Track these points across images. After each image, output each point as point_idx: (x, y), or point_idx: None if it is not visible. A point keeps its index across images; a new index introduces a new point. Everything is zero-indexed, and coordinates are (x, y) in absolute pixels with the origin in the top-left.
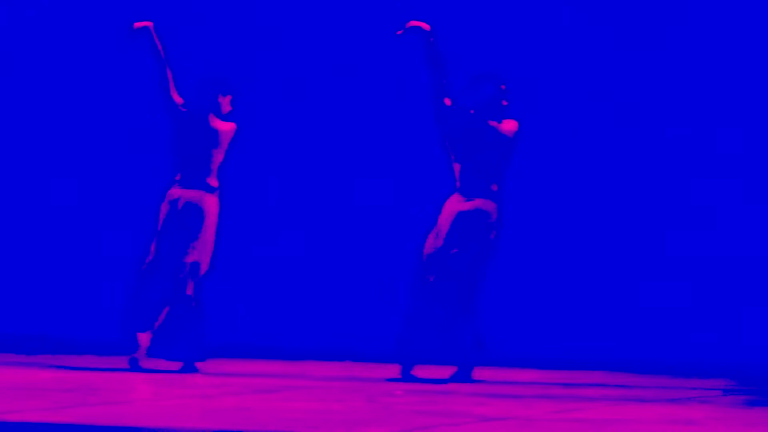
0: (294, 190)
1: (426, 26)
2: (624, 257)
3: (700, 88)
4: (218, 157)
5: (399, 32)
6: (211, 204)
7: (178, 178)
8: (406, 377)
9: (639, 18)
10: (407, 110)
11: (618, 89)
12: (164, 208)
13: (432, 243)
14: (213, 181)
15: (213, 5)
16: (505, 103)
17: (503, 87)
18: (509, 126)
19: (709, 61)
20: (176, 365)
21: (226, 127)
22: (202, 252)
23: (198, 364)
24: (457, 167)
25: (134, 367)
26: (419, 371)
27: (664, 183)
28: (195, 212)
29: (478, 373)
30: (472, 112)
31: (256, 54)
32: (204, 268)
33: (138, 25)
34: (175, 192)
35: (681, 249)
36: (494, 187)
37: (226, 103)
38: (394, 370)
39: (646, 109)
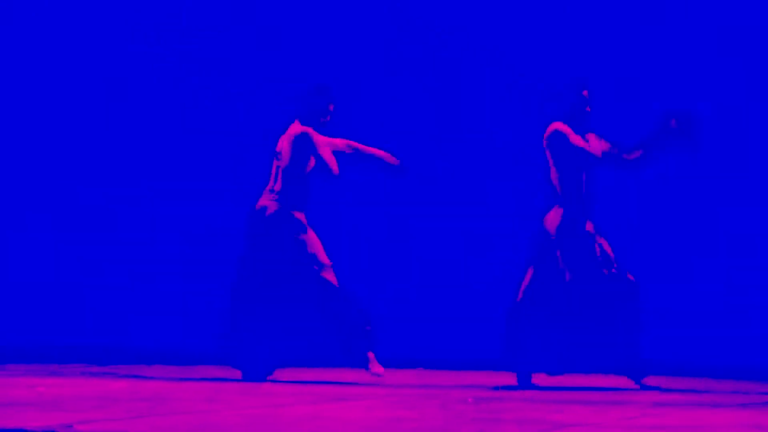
0: (387, 201)
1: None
2: (692, 260)
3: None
4: (307, 165)
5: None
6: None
7: (272, 188)
8: (524, 384)
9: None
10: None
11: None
12: (253, 219)
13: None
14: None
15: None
16: (588, 109)
17: (585, 93)
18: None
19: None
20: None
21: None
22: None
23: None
24: (559, 181)
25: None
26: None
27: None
28: (288, 222)
29: (550, 379)
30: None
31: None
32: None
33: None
34: (263, 201)
35: (750, 250)
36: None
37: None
38: (468, 377)
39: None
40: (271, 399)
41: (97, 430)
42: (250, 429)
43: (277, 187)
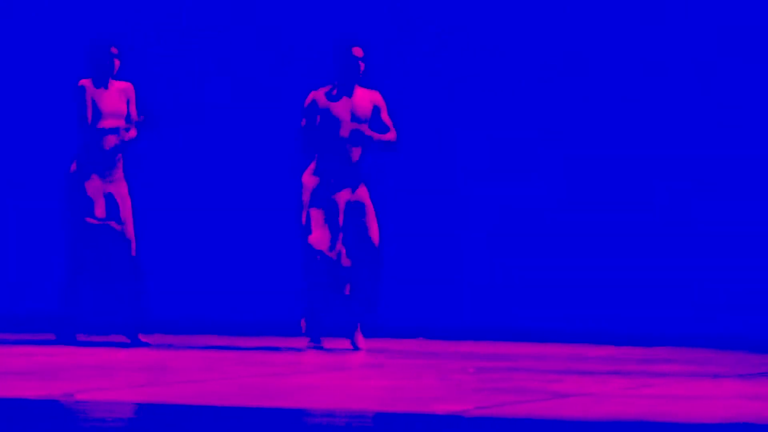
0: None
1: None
2: (693, 232)
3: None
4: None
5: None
6: None
7: None
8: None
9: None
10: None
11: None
12: None
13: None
14: None
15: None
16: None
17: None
18: None
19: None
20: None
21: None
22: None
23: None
24: None
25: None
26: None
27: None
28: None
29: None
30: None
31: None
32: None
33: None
34: None
35: (752, 223)
36: None
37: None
38: (469, 346)
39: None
40: (269, 368)
41: (98, 399)
42: (247, 398)
43: None
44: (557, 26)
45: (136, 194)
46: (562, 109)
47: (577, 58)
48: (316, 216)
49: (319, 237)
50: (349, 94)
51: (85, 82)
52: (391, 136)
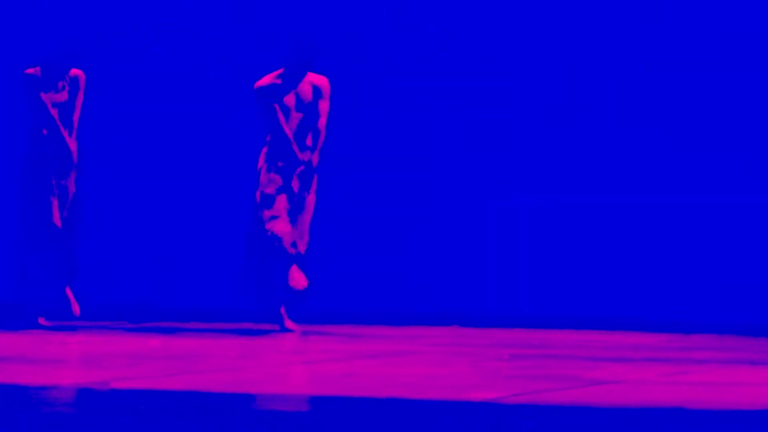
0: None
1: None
2: (728, 222)
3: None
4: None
5: None
6: None
7: None
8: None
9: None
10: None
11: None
12: None
13: None
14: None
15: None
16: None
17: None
18: None
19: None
20: None
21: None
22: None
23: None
24: None
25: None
26: None
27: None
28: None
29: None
30: None
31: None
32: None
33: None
34: None
35: None
36: None
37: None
38: (503, 334)
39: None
40: (304, 356)
41: (131, 387)
42: (282, 386)
43: None
44: (557, 26)
45: (138, 193)
46: (563, 107)
47: (578, 58)
48: (281, 205)
49: (282, 229)
50: (297, 84)
51: (32, 71)
52: (305, 156)
